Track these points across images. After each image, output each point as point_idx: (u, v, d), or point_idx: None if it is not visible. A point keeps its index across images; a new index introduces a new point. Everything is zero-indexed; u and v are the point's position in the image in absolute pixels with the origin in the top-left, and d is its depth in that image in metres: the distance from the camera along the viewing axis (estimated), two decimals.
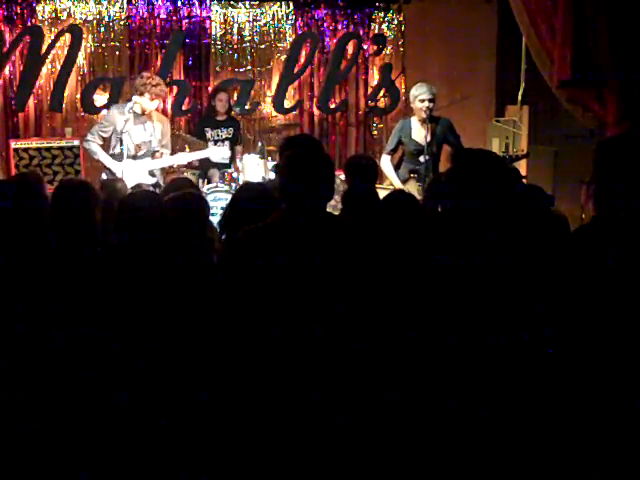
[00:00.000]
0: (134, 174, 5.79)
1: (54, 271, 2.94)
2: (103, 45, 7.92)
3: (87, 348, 2.84)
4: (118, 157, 5.80)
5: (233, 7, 8.21)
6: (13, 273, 2.95)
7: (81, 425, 2.83)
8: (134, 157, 5.91)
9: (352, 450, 2.61)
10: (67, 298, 2.89)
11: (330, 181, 2.78)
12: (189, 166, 7.59)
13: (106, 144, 5.94)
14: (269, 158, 6.76)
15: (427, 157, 5.60)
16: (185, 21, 8.01)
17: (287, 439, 2.61)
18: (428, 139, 5.62)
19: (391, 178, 5.91)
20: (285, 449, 2.60)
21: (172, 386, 2.83)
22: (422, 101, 5.66)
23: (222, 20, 8.18)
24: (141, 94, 5.82)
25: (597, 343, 2.34)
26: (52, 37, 7.71)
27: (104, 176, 5.83)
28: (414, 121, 5.82)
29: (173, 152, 6.24)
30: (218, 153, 6.39)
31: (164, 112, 8.10)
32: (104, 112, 6.08)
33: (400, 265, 2.90)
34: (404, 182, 5.79)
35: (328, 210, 2.85)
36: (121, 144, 5.72)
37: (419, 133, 5.76)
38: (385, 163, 5.90)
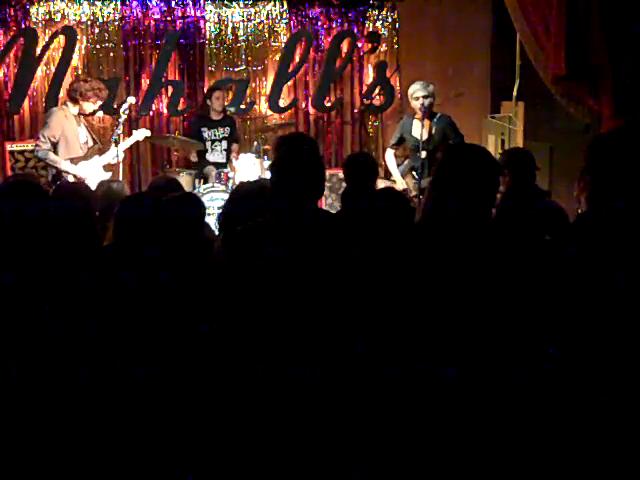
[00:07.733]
0: (93, 173, 6.07)
1: (55, 272, 2.94)
2: (97, 46, 7.93)
3: (85, 349, 2.84)
4: (71, 160, 6.07)
5: (227, 7, 8.21)
6: (15, 274, 2.95)
7: (80, 424, 2.83)
8: (84, 157, 6.15)
9: (350, 448, 2.61)
10: (66, 299, 2.89)
11: (318, 179, 2.80)
12: (185, 165, 7.63)
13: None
14: (265, 157, 6.78)
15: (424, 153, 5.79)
16: (179, 21, 8.02)
17: (282, 435, 2.61)
18: (425, 136, 5.81)
19: (392, 172, 6.19)
20: (283, 446, 2.61)
21: (172, 385, 2.83)
22: (417, 99, 5.89)
23: (216, 20, 8.19)
24: (86, 98, 6.10)
25: (599, 340, 2.35)
26: (46, 39, 7.71)
27: (71, 179, 6.00)
28: (414, 118, 6.05)
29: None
30: (143, 133, 6.67)
31: (159, 112, 8.14)
32: (48, 116, 6.26)
33: (389, 262, 2.89)
34: (404, 176, 6.06)
35: (325, 209, 2.86)
36: (67, 146, 6.02)
37: (418, 129, 5.94)
38: (388, 157, 6.21)
